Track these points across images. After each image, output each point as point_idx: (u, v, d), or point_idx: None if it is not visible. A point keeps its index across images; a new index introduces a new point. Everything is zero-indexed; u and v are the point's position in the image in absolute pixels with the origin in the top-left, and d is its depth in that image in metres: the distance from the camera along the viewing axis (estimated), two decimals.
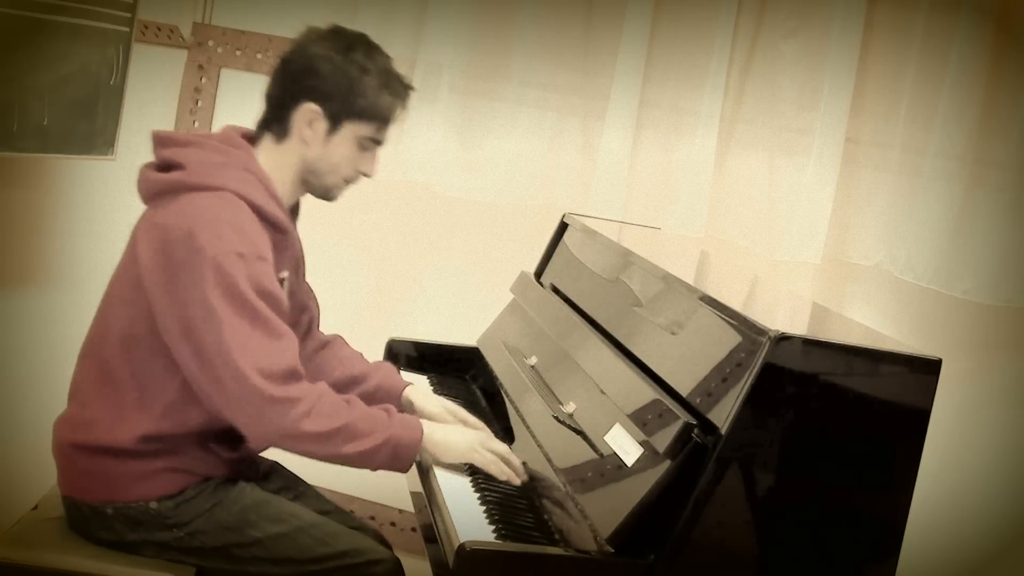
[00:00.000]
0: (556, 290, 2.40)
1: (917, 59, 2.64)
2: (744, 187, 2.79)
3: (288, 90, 1.91)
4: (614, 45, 2.78)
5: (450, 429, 1.95)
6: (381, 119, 1.93)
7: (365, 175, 1.98)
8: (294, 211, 2.04)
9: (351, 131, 1.91)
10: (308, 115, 1.89)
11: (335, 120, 1.90)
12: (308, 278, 2.23)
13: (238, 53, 3.07)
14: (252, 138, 1.95)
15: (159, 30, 3.07)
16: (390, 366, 2.24)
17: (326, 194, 1.99)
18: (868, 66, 2.69)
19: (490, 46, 2.85)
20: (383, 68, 1.92)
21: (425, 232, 3.06)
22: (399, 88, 1.94)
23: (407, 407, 2.14)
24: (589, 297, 2.21)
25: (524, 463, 1.91)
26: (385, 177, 2.90)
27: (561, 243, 2.51)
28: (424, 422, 1.91)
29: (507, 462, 1.91)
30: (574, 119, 2.86)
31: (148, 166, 1.90)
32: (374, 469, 1.87)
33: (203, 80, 3.08)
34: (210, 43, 3.07)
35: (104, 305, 1.92)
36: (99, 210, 3.05)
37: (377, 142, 1.96)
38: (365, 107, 1.90)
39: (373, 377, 2.18)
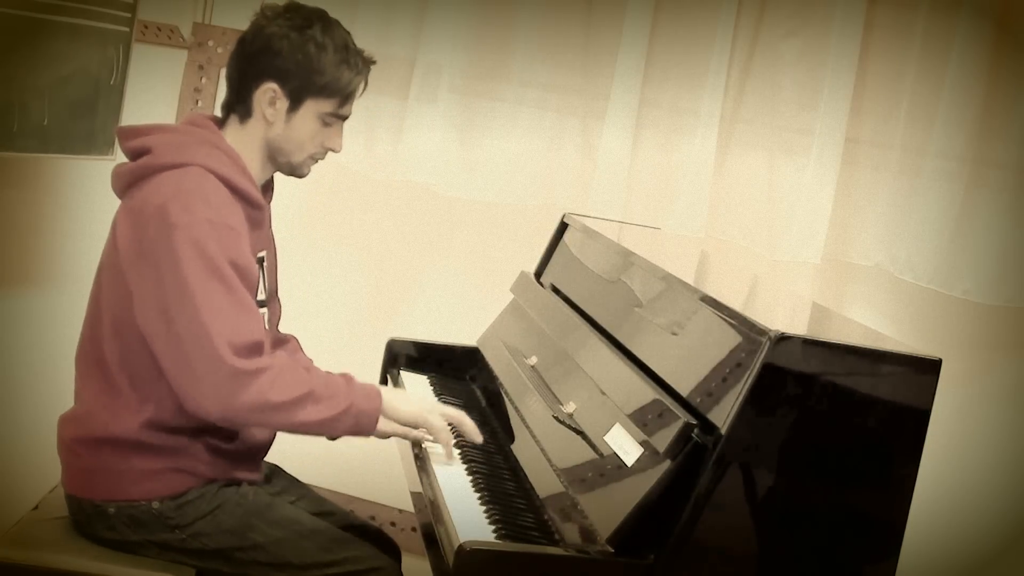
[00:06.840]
0: (556, 290, 2.40)
1: (917, 59, 2.64)
2: (744, 187, 2.79)
3: (247, 70, 1.91)
4: (614, 45, 2.77)
5: (405, 393, 1.99)
6: (342, 95, 1.93)
7: (332, 150, 1.99)
8: (267, 189, 2.04)
9: (313, 108, 1.92)
10: (268, 94, 1.90)
11: (295, 98, 1.90)
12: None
13: None
14: (218, 121, 1.97)
15: (159, 30, 3.07)
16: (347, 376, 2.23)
17: (294, 171, 2.00)
18: (868, 66, 2.69)
19: (490, 46, 2.85)
20: (341, 43, 1.92)
21: (425, 232, 3.06)
22: (358, 63, 1.94)
23: None
24: (589, 297, 2.21)
25: (522, 465, 1.92)
26: (385, 177, 2.90)
27: (561, 243, 2.51)
28: (383, 388, 1.90)
29: (461, 424, 1.94)
30: (574, 119, 2.86)
31: (119, 164, 1.91)
32: (334, 437, 1.88)
33: (203, 80, 3.08)
34: (210, 43, 3.07)
35: (92, 298, 1.92)
36: (99, 210, 3.02)
37: (341, 117, 1.96)
38: (325, 84, 1.90)
39: None
